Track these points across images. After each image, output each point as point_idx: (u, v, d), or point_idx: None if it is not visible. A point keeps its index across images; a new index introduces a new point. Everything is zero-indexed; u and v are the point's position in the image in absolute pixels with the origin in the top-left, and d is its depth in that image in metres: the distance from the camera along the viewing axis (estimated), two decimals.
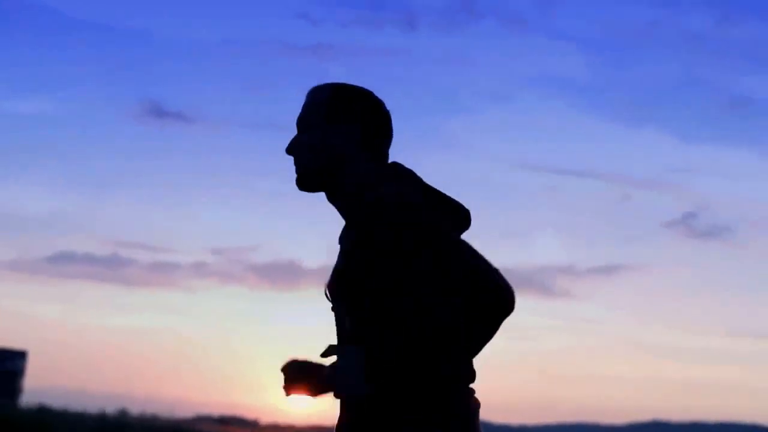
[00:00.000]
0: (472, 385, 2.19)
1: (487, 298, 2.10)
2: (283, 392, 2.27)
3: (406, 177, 2.23)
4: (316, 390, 2.23)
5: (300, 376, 2.22)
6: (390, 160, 2.34)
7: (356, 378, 2.10)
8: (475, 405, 2.18)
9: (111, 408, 23.43)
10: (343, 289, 2.18)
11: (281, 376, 2.26)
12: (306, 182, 2.30)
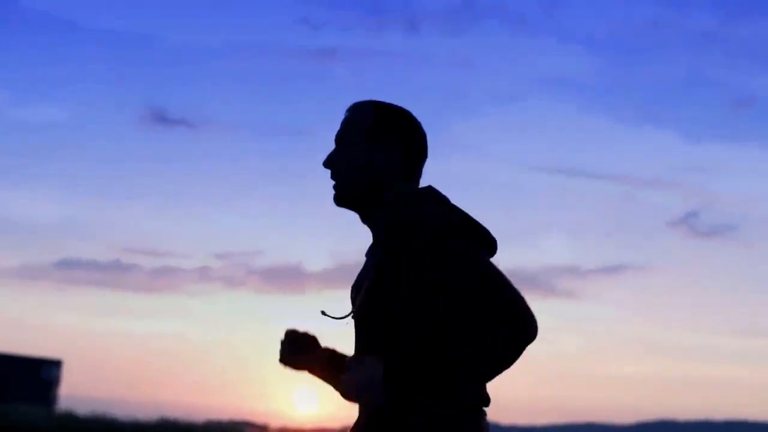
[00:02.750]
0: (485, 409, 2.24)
1: (514, 330, 2.11)
2: (280, 363, 2.35)
3: (442, 201, 2.26)
4: (314, 367, 2.34)
5: (299, 348, 2.33)
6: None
7: (374, 389, 2.11)
8: (486, 428, 2.22)
9: (121, 414, 23.44)
10: (372, 305, 2.20)
11: (280, 347, 2.35)
12: (345, 199, 2.32)
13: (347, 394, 2.15)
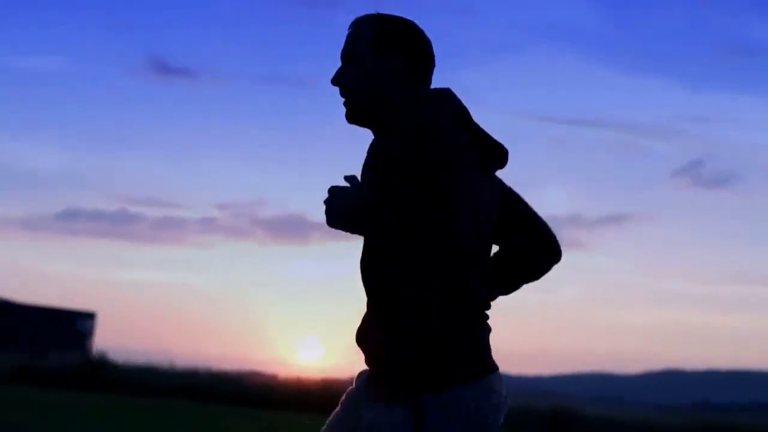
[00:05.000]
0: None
1: (542, 247, 2.34)
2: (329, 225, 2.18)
3: (447, 102, 2.24)
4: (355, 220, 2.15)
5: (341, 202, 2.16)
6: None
7: (337, 213, 2.12)
8: (489, 330, 2.23)
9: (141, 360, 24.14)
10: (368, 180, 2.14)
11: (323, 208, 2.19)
12: (357, 115, 2.29)
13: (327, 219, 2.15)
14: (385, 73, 2.27)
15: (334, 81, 2.31)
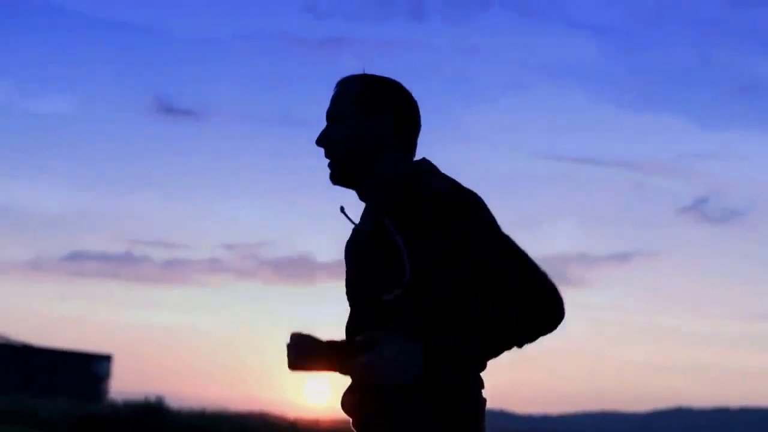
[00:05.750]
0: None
1: (545, 310, 2.11)
2: (289, 369, 2.19)
3: (442, 173, 2.23)
4: (324, 368, 2.19)
5: (309, 350, 2.17)
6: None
7: (407, 367, 2.06)
8: (483, 403, 2.20)
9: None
10: (402, 274, 2.13)
11: (286, 352, 2.19)
12: (341, 175, 2.26)
13: (369, 375, 2.09)
14: (373, 134, 2.23)
15: (319, 141, 2.27)
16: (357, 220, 2.29)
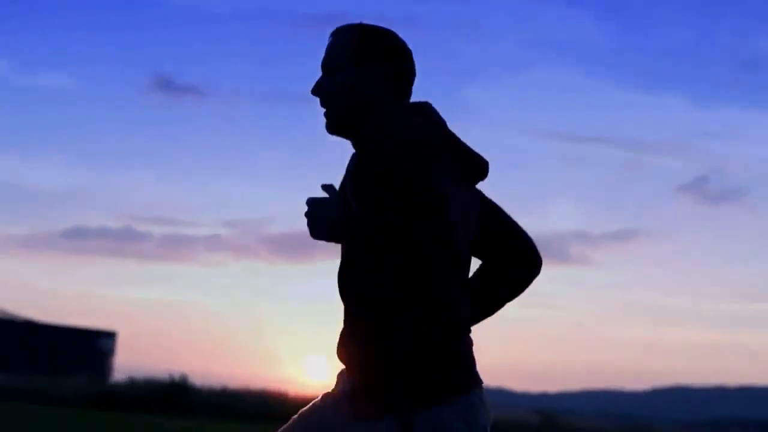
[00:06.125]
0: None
1: (525, 259, 2.26)
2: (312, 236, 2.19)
3: (425, 115, 2.21)
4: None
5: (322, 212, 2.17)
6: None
7: (321, 225, 2.14)
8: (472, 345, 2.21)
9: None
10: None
11: (307, 219, 2.19)
12: (337, 125, 2.26)
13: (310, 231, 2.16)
14: (366, 84, 2.25)
15: (314, 91, 2.29)
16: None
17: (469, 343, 2.20)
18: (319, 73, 2.31)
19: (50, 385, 23.15)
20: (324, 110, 2.28)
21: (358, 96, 2.24)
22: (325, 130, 2.29)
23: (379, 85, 2.25)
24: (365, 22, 2.30)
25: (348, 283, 2.20)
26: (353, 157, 2.24)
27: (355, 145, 2.26)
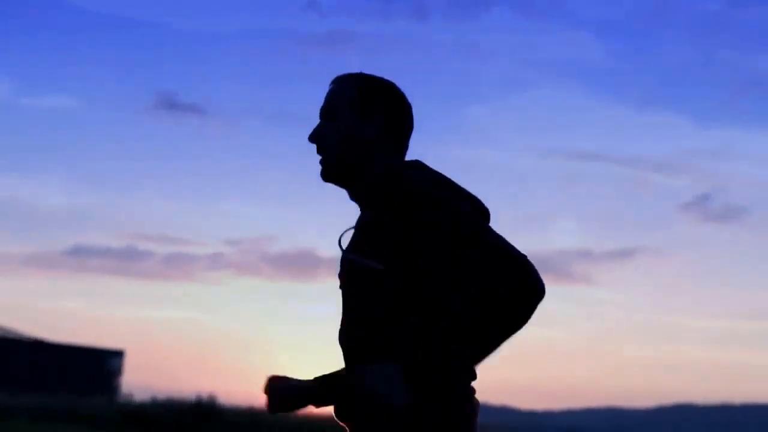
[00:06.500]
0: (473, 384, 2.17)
1: (521, 285, 2.03)
2: (268, 410, 2.22)
3: (423, 169, 2.20)
4: (303, 406, 2.21)
5: (285, 395, 2.20)
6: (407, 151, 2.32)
7: (395, 390, 2.04)
8: (477, 405, 2.15)
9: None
10: (362, 268, 2.14)
11: (264, 396, 2.21)
12: (333, 174, 2.25)
13: (361, 401, 2.10)
14: (366, 133, 2.23)
15: (312, 138, 2.27)
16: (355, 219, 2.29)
17: (477, 409, 2.16)
18: (320, 100, 2.33)
19: (68, 403, 23.25)
20: (320, 157, 2.27)
21: (359, 145, 2.23)
22: (321, 178, 2.28)
23: (380, 135, 2.25)
24: (365, 72, 2.32)
25: (353, 340, 2.18)
26: (361, 217, 2.24)
27: (355, 196, 2.27)
